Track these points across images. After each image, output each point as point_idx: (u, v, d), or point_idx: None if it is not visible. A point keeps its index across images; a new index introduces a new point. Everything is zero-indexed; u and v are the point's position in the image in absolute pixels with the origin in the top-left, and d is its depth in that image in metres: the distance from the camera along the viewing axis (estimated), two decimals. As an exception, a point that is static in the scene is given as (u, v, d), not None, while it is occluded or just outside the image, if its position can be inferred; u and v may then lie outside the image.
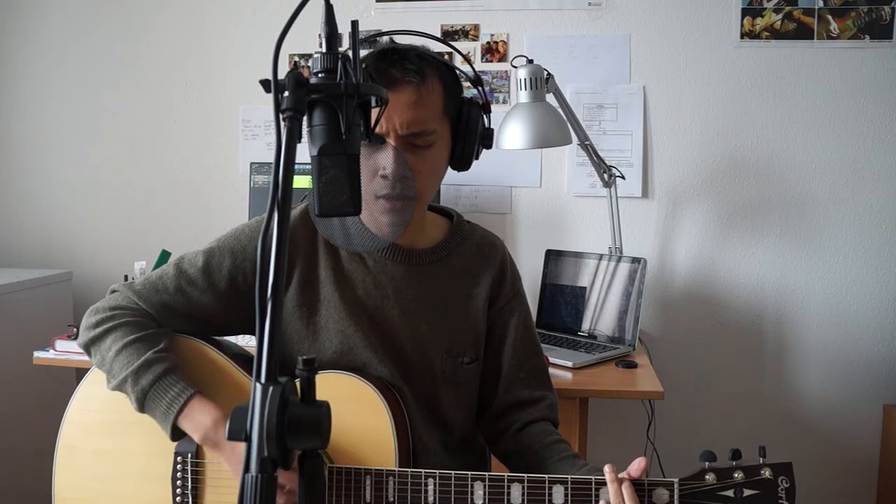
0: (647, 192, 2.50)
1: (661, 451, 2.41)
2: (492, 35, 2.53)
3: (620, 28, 2.47)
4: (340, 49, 0.83)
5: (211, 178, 2.70)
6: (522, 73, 2.05)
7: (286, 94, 0.75)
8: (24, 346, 2.17)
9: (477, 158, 1.25)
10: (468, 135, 1.21)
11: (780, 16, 2.40)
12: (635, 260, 2.19)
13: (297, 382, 0.69)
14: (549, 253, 2.39)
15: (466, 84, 1.29)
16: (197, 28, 2.68)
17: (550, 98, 2.08)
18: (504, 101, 2.53)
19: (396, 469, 1.11)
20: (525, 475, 1.06)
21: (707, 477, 1.02)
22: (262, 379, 0.65)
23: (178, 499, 1.21)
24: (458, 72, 1.24)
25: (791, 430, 2.48)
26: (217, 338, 1.31)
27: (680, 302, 2.50)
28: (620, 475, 1.04)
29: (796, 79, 2.41)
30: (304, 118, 0.79)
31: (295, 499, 1.05)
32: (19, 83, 2.79)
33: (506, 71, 2.52)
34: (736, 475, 1.01)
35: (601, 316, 2.24)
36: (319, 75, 0.81)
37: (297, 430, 0.64)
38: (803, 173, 2.43)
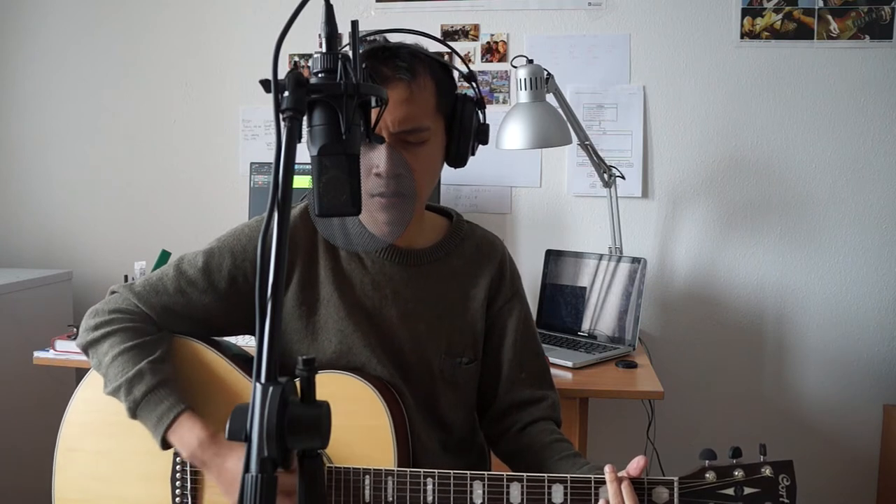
0: (647, 192, 2.50)
1: (661, 450, 2.41)
2: (492, 35, 2.53)
3: (620, 28, 2.47)
4: (341, 49, 0.83)
5: (211, 178, 2.70)
6: (522, 73, 2.05)
7: (286, 94, 0.75)
8: (24, 346, 2.17)
9: (473, 154, 1.25)
10: (462, 131, 1.21)
11: (780, 16, 2.40)
12: (635, 260, 2.19)
13: (297, 382, 0.69)
14: (549, 253, 2.39)
15: (467, 85, 1.29)
16: (197, 28, 2.68)
17: (550, 98, 2.08)
18: (504, 101, 2.53)
19: (395, 469, 1.11)
20: (524, 474, 1.06)
21: (707, 475, 1.02)
22: (263, 379, 0.65)
23: (177, 499, 1.21)
24: (452, 69, 1.24)
25: (791, 430, 2.48)
26: (216, 338, 1.31)
27: (680, 302, 2.50)
28: (620, 474, 1.04)
29: (796, 79, 2.41)
30: (304, 118, 0.79)
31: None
32: (19, 83, 2.79)
33: (506, 71, 2.52)
34: (736, 473, 1.01)
35: (601, 316, 2.24)
36: (319, 75, 0.81)
37: (298, 430, 0.64)
38: (803, 173, 2.43)
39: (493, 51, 2.53)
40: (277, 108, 0.75)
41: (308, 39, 2.54)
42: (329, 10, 0.82)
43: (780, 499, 1.00)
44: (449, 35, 2.53)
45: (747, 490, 1.00)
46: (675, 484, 1.02)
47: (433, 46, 1.25)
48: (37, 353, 2.08)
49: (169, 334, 1.25)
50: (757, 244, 2.47)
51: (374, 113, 0.92)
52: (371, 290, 1.24)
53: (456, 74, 1.26)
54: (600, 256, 2.29)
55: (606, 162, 2.29)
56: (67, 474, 1.25)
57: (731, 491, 1.01)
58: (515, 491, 1.06)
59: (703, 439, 2.47)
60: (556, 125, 2.05)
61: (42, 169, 2.80)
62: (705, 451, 1.03)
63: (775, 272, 2.46)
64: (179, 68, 2.70)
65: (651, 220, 2.50)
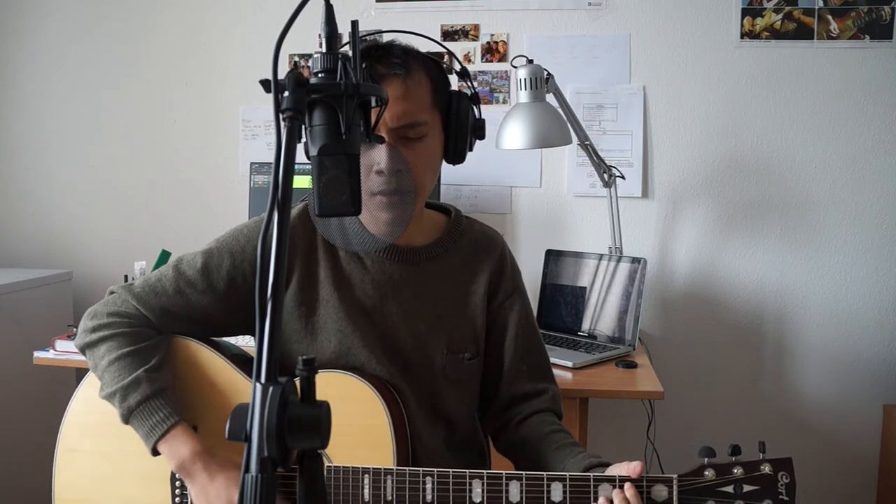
0: (647, 192, 2.50)
1: (660, 450, 2.41)
2: (492, 35, 2.53)
3: (620, 28, 2.47)
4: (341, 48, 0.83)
5: (211, 178, 2.70)
6: (522, 73, 2.05)
7: (286, 94, 0.75)
8: (24, 346, 2.17)
9: (471, 150, 1.25)
10: (459, 126, 1.22)
11: (780, 16, 2.40)
12: (635, 260, 2.19)
13: (297, 382, 0.69)
14: (549, 253, 2.39)
15: (464, 85, 1.29)
16: (197, 28, 2.68)
17: (550, 98, 2.08)
18: (504, 101, 2.53)
19: (395, 468, 1.11)
20: (523, 472, 1.06)
21: (706, 473, 1.02)
22: (262, 379, 0.65)
23: (177, 499, 1.21)
24: (444, 66, 1.24)
25: (791, 430, 2.48)
26: (216, 339, 1.31)
27: (680, 302, 2.50)
28: (617, 471, 1.04)
29: (796, 79, 2.41)
30: (304, 118, 0.79)
31: None
32: (19, 83, 2.79)
33: (506, 71, 2.52)
34: (735, 471, 1.01)
35: (601, 316, 2.24)
36: (319, 75, 0.81)
37: (297, 429, 0.64)
38: (803, 173, 2.43)
39: (493, 51, 2.53)
40: (277, 108, 0.75)
41: (308, 39, 2.54)
42: (329, 10, 0.82)
43: (780, 496, 1.00)
44: (449, 35, 2.53)
45: (747, 487, 1.00)
46: (675, 481, 1.02)
47: (429, 47, 1.25)
48: (37, 353, 2.08)
49: (167, 338, 1.25)
50: (757, 244, 2.47)
51: (374, 113, 0.93)
52: (371, 289, 1.24)
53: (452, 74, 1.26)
54: (600, 256, 2.29)
55: (606, 162, 2.29)
56: (67, 475, 1.25)
57: (730, 488, 1.01)
58: (514, 489, 1.06)
59: (703, 439, 2.45)
60: (556, 125, 2.06)
61: (42, 169, 2.80)
62: (704, 448, 1.03)
63: (775, 272, 2.46)
64: (179, 68, 2.70)
65: (651, 220, 2.50)
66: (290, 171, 0.71)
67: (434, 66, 1.21)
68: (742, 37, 2.42)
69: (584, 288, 2.29)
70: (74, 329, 2.02)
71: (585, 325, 2.26)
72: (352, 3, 2.54)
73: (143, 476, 1.22)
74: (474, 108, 1.24)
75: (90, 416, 1.26)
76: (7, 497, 2.37)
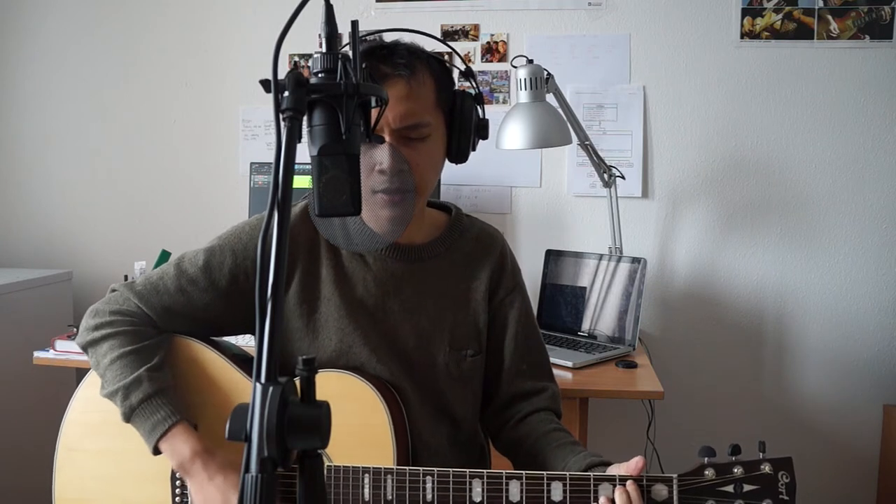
0: (647, 192, 2.50)
1: (661, 450, 2.41)
2: (492, 35, 2.53)
3: (620, 28, 2.47)
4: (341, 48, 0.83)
5: (211, 178, 2.70)
6: (522, 73, 2.05)
7: (286, 94, 0.75)
8: (24, 346, 2.17)
9: (474, 149, 1.26)
10: (463, 126, 1.22)
11: (780, 16, 2.40)
12: (635, 260, 2.19)
13: (297, 382, 0.70)
14: (549, 253, 2.39)
15: (466, 84, 1.29)
16: (197, 28, 2.68)
17: (550, 98, 2.08)
18: (504, 101, 2.54)
19: (395, 467, 1.11)
20: (523, 472, 1.06)
21: (706, 472, 1.02)
22: (262, 379, 0.65)
23: (177, 499, 1.21)
24: (449, 66, 1.24)
25: (791, 430, 2.48)
26: (216, 338, 1.31)
27: (680, 302, 2.50)
28: (617, 471, 1.04)
29: (796, 79, 2.41)
30: (304, 118, 0.79)
31: None
32: (19, 83, 2.79)
33: (506, 71, 2.53)
34: (735, 470, 1.01)
35: (601, 316, 2.24)
36: (319, 75, 0.81)
37: (297, 429, 0.64)
38: (803, 173, 2.43)
39: (493, 51, 2.53)
40: (277, 108, 0.75)
41: (308, 39, 2.54)
42: (329, 10, 0.82)
43: (780, 496, 1.00)
44: (449, 35, 2.54)
45: (747, 487, 1.00)
46: (675, 481, 1.02)
47: (432, 46, 1.25)
48: (37, 353, 2.08)
49: (168, 337, 1.25)
50: (757, 244, 2.47)
51: (375, 113, 0.93)
52: (373, 286, 1.25)
53: (455, 73, 1.26)
54: (600, 256, 2.29)
55: (606, 162, 2.29)
56: (68, 474, 1.25)
57: (730, 488, 1.01)
58: (515, 489, 1.06)
59: (703, 439, 2.45)
60: (556, 125, 2.06)
61: (42, 169, 2.80)
62: (704, 448, 1.03)
63: (775, 272, 2.46)
64: (179, 68, 2.70)
65: (651, 220, 2.50)
66: (290, 171, 0.71)
67: (438, 66, 1.21)
68: (742, 37, 2.42)
69: (584, 288, 2.29)
70: (74, 329, 2.02)
71: (585, 325, 2.26)
72: (352, 3, 2.54)
73: (144, 475, 1.22)
74: (478, 107, 1.25)
75: (91, 415, 1.26)
76: (7, 497, 2.37)
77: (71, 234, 2.80)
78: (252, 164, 2.53)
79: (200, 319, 1.25)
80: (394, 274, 1.26)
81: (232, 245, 1.24)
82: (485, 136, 1.26)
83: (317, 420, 0.67)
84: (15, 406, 2.40)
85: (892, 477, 2.35)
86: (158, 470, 1.21)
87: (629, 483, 1.02)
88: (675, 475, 1.03)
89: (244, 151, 2.67)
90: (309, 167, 0.81)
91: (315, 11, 0.82)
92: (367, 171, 1.13)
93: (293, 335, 1.24)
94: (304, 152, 0.81)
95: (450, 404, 1.28)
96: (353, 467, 1.11)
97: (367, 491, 1.10)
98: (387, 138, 1.14)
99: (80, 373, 1.44)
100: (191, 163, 2.71)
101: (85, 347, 1.24)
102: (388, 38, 1.21)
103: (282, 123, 0.74)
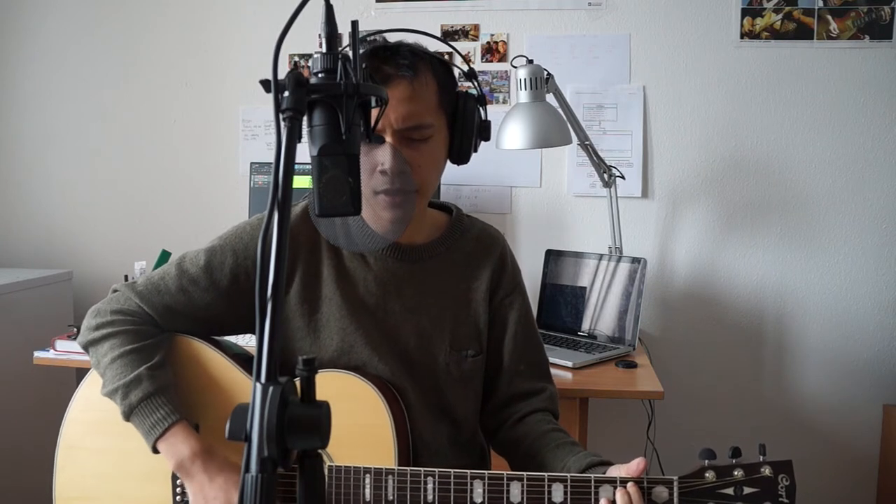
0: (647, 192, 2.50)
1: (661, 451, 2.41)
2: (492, 35, 2.53)
3: (620, 28, 2.47)
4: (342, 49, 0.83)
5: (211, 178, 2.70)
6: (522, 73, 2.05)
7: (286, 94, 0.75)
8: (24, 346, 2.17)
9: (476, 151, 1.26)
10: (465, 127, 1.22)
11: (780, 16, 2.40)
12: (635, 260, 2.19)
13: (297, 382, 0.70)
14: (549, 253, 2.39)
15: (467, 85, 1.29)
16: (197, 28, 2.68)
17: (550, 98, 2.08)
18: (504, 101, 2.54)
19: (396, 468, 1.11)
20: (524, 473, 1.06)
21: (707, 475, 1.02)
22: (262, 379, 0.65)
23: (177, 498, 1.21)
24: (452, 67, 1.24)
25: (791, 430, 2.48)
26: (217, 338, 1.31)
27: (680, 302, 2.50)
28: (618, 472, 1.04)
29: (796, 79, 2.41)
30: (304, 118, 0.79)
31: None
32: (19, 83, 2.79)
33: (506, 71, 2.53)
34: (736, 473, 1.01)
35: (601, 316, 2.24)
36: (319, 75, 0.81)
37: (297, 429, 0.64)
38: (803, 173, 2.43)
39: (493, 51, 2.53)
40: (277, 108, 0.75)
41: (308, 39, 2.54)
42: (329, 10, 0.82)
43: (780, 499, 1.00)
44: (449, 35, 2.54)
45: (747, 490, 1.00)
46: (675, 483, 1.02)
47: (434, 46, 1.25)
48: (37, 353, 2.08)
49: (169, 336, 1.25)
50: (757, 244, 2.47)
51: (375, 113, 0.93)
52: (374, 287, 1.25)
53: (456, 73, 1.26)
54: (600, 256, 2.29)
55: (606, 162, 2.29)
56: (68, 473, 1.25)
57: (730, 490, 1.01)
58: (516, 490, 1.06)
59: (703, 439, 2.47)
60: (556, 125, 2.06)
61: (42, 169, 2.80)
62: (705, 450, 1.03)
63: (775, 272, 2.46)
64: (179, 68, 2.70)
65: (651, 220, 2.50)
66: (290, 171, 0.71)
67: (441, 67, 1.21)
68: (742, 37, 2.42)
69: (584, 288, 2.29)
70: (74, 329, 2.02)
71: (585, 325, 2.26)
72: (352, 3, 2.54)
73: (144, 474, 1.22)
74: (480, 109, 1.25)
75: (91, 414, 1.26)
76: (7, 497, 2.37)
77: (71, 234, 2.80)
78: (252, 164, 2.53)
79: (202, 319, 1.25)
80: (395, 274, 1.26)
81: (233, 245, 1.25)
82: (487, 138, 1.26)
83: (317, 420, 0.67)
84: (15, 406, 2.40)
85: (892, 477, 2.35)
86: (159, 469, 1.21)
87: (630, 485, 1.02)
88: (675, 477, 1.03)
89: (244, 151, 2.67)
90: (309, 167, 0.81)
91: (315, 11, 0.82)
92: (368, 172, 1.13)
93: (294, 335, 1.24)
94: (304, 152, 0.81)
95: (450, 404, 1.28)
96: (354, 467, 1.11)
97: (368, 491, 1.10)
98: (389, 139, 1.14)
99: (81, 373, 1.44)
100: (191, 163, 2.71)
101: (86, 347, 1.25)
102: (392, 38, 1.21)
103: (282, 123, 0.74)
